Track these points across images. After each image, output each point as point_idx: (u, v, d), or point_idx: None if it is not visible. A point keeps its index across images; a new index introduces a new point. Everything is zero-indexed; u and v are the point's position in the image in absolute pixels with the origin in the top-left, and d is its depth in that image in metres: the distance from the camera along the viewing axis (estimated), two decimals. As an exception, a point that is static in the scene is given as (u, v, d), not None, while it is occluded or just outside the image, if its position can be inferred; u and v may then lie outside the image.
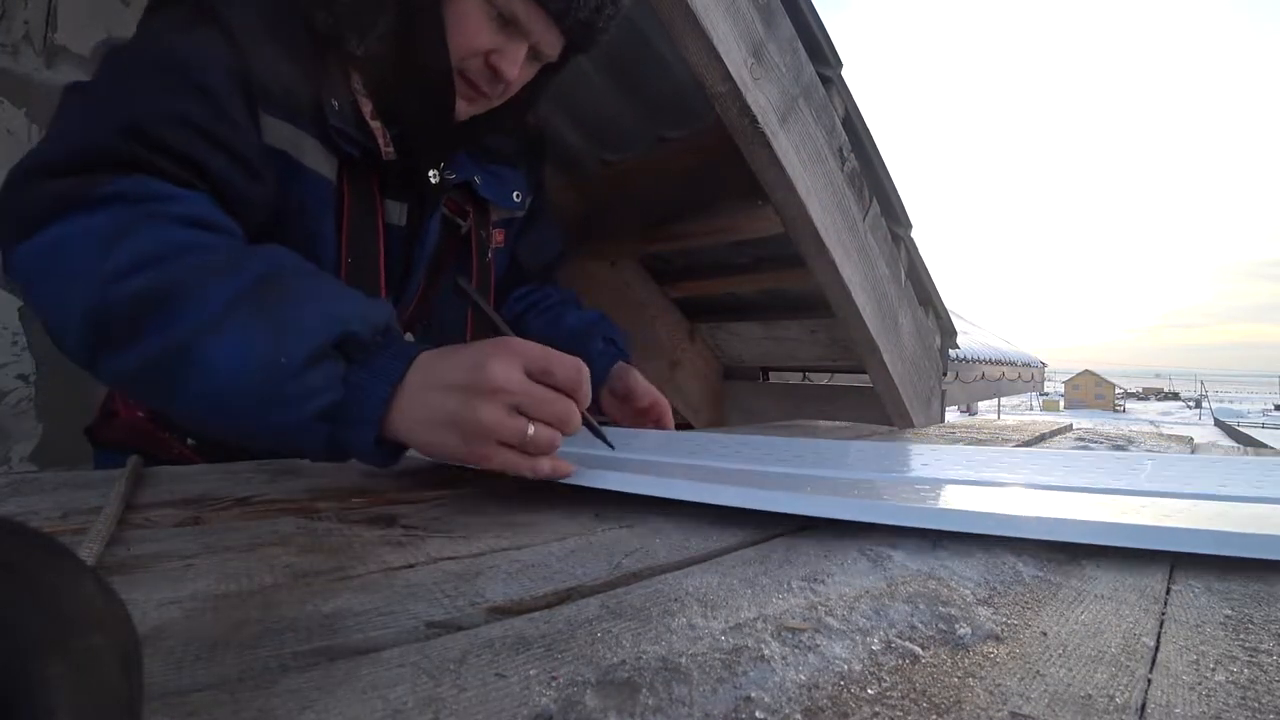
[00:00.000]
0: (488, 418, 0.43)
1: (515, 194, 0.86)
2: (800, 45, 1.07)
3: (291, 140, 0.63)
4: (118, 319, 0.46)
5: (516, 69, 0.67)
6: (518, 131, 0.84)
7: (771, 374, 2.09)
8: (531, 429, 0.44)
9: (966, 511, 0.40)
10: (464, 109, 0.69)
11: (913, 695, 0.22)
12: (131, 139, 0.52)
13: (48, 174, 0.51)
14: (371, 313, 0.48)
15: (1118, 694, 0.22)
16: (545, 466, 0.46)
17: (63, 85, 0.56)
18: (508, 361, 0.44)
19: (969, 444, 0.85)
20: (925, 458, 0.64)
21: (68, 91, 0.56)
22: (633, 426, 0.84)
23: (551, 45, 0.68)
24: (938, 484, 0.53)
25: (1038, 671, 0.24)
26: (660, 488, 0.45)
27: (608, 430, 0.54)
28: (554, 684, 0.22)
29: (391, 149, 0.68)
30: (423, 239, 0.76)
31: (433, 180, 0.73)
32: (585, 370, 0.47)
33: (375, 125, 0.67)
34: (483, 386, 0.44)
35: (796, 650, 0.25)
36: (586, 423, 0.49)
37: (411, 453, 0.49)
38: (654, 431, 0.78)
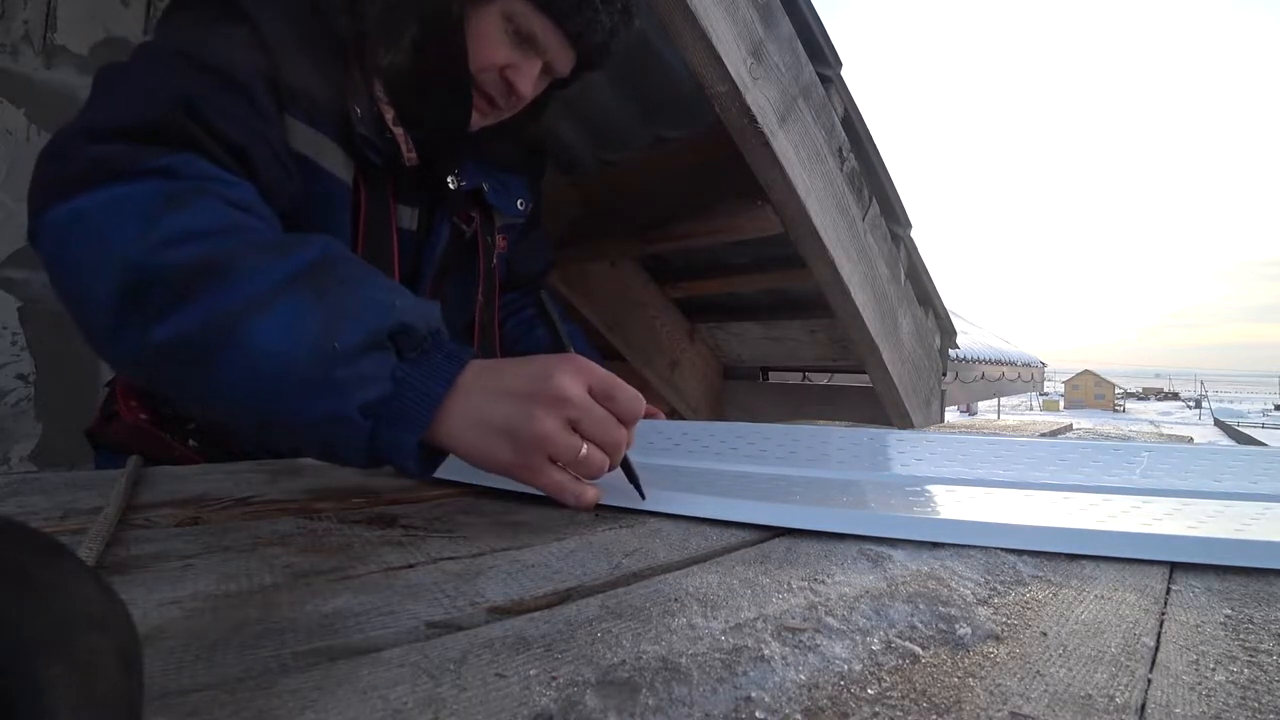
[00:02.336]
0: (546, 427, 0.41)
1: (519, 201, 0.88)
2: (799, 45, 1.07)
3: (313, 144, 0.64)
4: (160, 285, 0.43)
5: (530, 84, 0.70)
6: (520, 140, 0.86)
7: (771, 374, 2.09)
8: (584, 449, 0.42)
9: (959, 522, 0.41)
10: (476, 120, 0.71)
11: (913, 695, 0.22)
12: (186, 114, 0.51)
13: (92, 139, 0.49)
14: (427, 310, 0.46)
15: (1118, 694, 0.22)
16: (591, 496, 0.44)
17: (61, 85, 0.56)
18: (574, 375, 0.43)
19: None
20: (919, 451, 0.64)
21: (105, 72, 0.55)
22: None
23: (564, 63, 0.71)
24: (930, 485, 0.53)
25: (1038, 671, 0.24)
26: (654, 501, 0.46)
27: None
28: (554, 684, 0.22)
29: (414, 154, 0.69)
30: (432, 243, 0.77)
31: (451, 186, 0.74)
32: (644, 403, 0.45)
33: (398, 132, 0.68)
34: (545, 395, 0.42)
35: (796, 650, 0.25)
36: (625, 462, 0.46)
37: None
38: (647, 422, 0.78)
